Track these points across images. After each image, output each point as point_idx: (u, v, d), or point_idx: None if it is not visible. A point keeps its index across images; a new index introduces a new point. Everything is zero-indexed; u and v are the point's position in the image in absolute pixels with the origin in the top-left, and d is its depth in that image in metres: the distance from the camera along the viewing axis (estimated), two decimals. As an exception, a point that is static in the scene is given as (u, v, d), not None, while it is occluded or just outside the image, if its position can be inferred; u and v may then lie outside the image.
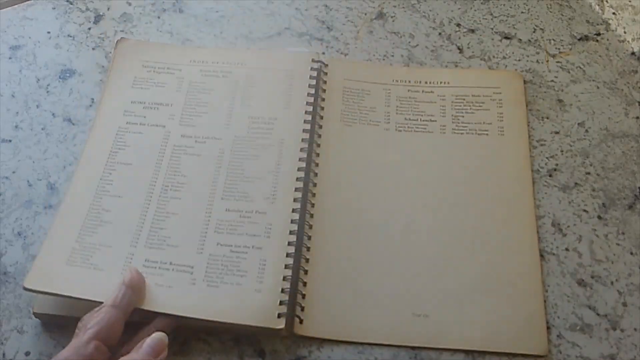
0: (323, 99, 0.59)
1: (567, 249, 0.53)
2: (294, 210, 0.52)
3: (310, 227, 0.53)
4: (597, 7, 0.68)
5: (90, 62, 0.63)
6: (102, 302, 0.45)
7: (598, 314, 0.50)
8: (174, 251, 0.50)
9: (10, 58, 0.63)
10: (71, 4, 0.68)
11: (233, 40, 0.65)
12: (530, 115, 0.60)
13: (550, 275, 0.52)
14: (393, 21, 0.67)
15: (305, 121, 0.57)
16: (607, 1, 0.69)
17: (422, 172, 0.56)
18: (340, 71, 0.61)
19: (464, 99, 0.60)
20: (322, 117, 0.58)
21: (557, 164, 0.57)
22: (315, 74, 0.60)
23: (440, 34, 0.66)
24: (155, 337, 0.44)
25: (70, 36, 0.65)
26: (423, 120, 0.59)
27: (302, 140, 0.56)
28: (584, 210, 0.55)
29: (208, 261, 0.50)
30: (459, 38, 0.65)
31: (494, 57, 0.64)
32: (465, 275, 0.51)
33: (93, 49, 0.64)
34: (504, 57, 0.64)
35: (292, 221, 0.52)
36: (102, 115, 0.57)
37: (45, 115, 0.60)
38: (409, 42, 0.65)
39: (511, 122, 0.59)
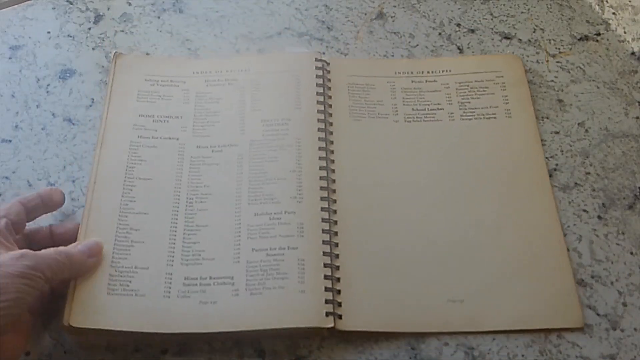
0: (330, 97, 0.60)
1: (567, 249, 0.53)
2: (322, 209, 0.52)
3: (335, 223, 0.53)
4: (597, 7, 0.68)
5: (90, 62, 0.63)
6: (151, 333, 0.46)
7: (598, 314, 0.50)
8: (211, 264, 0.50)
9: (10, 58, 0.63)
10: (71, 4, 0.68)
11: (233, 40, 0.65)
12: (530, 115, 0.60)
13: (550, 275, 0.52)
14: (393, 21, 0.67)
15: (318, 120, 0.57)
16: (607, 1, 0.69)
17: (436, 160, 0.57)
18: (342, 68, 0.62)
19: (467, 85, 0.61)
20: (331, 115, 0.59)
21: (557, 164, 0.57)
22: (320, 72, 0.60)
23: (440, 34, 0.66)
24: (93, 240, 0.49)
25: (70, 36, 0.65)
26: (430, 110, 0.59)
27: (319, 139, 0.56)
28: (584, 210, 0.55)
29: (247, 269, 0.49)
30: (459, 38, 0.66)
31: (494, 57, 0.64)
32: (493, 257, 0.52)
33: (93, 49, 0.64)
34: (504, 57, 0.64)
35: (323, 220, 0.52)
36: (111, 130, 0.56)
37: (45, 115, 0.60)
38: (409, 42, 0.65)
39: (517, 103, 0.60)
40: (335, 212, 0.53)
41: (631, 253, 0.53)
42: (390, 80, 0.61)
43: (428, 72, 0.62)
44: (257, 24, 0.66)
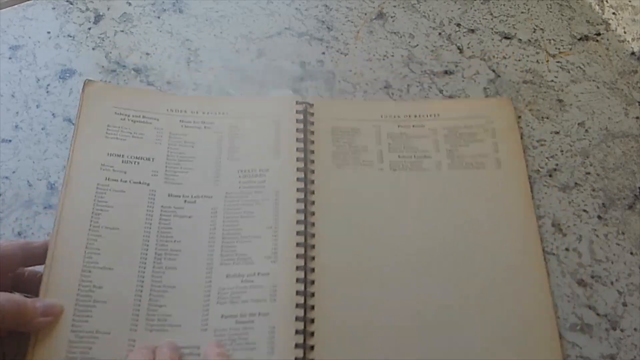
0: (312, 142, 0.56)
1: (567, 249, 0.53)
2: (298, 268, 0.49)
3: (312, 283, 0.49)
4: (597, 7, 0.68)
5: (90, 62, 0.63)
6: None
7: (598, 314, 0.50)
8: (177, 331, 0.46)
9: (10, 58, 0.63)
10: (71, 4, 0.68)
11: (233, 40, 0.65)
12: (530, 115, 0.60)
13: (551, 275, 0.52)
14: (393, 21, 0.67)
15: (298, 169, 0.54)
16: (607, 1, 0.69)
17: (423, 213, 0.53)
18: (326, 111, 0.58)
19: (456, 132, 0.57)
20: (313, 162, 0.55)
21: (557, 164, 0.57)
22: (301, 116, 0.57)
23: (440, 34, 0.66)
24: (54, 301, 0.46)
25: (70, 36, 0.65)
26: (417, 157, 0.56)
27: (298, 190, 0.53)
28: (584, 210, 0.55)
29: (214, 338, 0.46)
30: (459, 38, 0.66)
31: (494, 57, 0.64)
32: (480, 327, 0.48)
33: (93, 49, 0.64)
34: (504, 57, 0.64)
35: (298, 280, 0.49)
36: (77, 168, 0.52)
37: (45, 115, 0.60)
38: (409, 42, 0.65)
39: (507, 152, 0.56)
40: (312, 270, 0.50)
41: (631, 253, 0.53)
42: (376, 125, 0.58)
43: (415, 116, 0.58)
44: (257, 24, 0.66)
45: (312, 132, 0.57)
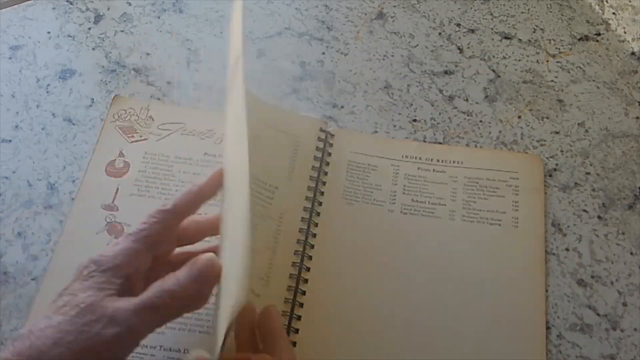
0: (326, 173, 0.55)
1: (567, 249, 0.53)
2: (285, 300, 0.47)
3: (299, 318, 0.47)
4: (597, 7, 0.68)
5: (90, 62, 0.63)
6: None
7: (598, 314, 0.50)
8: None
9: (10, 58, 0.63)
10: (71, 4, 0.68)
11: (233, 40, 0.65)
12: (530, 115, 0.60)
13: (551, 275, 0.52)
14: (393, 21, 0.67)
15: (307, 198, 0.53)
16: (607, 1, 0.69)
17: (427, 262, 0.51)
18: (346, 143, 0.57)
19: (477, 183, 0.55)
20: (322, 193, 0.54)
21: (557, 164, 0.57)
22: (321, 144, 0.56)
23: (440, 34, 0.66)
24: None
25: (70, 36, 0.65)
26: (431, 204, 0.54)
27: (302, 219, 0.52)
28: (584, 210, 0.55)
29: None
30: (459, 38, 0.65)
31: (494, 57, 0.64)
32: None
33: (93, 49, 0.64)
34: (504, 57, 0.64)
35: (283, 313, 0.47)
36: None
37: (45, 115, 0.60)
38: (409, 42, 0.65)
39: (527, 213, 0.54)
40: (301, 305, 0.48)
41: (631, 253, 0.53)
42: (395, 164, 0.56)
43: (438, 161, 0.56)
44: (257, 24, 0.66)
45: (328, 163, 0.55)
